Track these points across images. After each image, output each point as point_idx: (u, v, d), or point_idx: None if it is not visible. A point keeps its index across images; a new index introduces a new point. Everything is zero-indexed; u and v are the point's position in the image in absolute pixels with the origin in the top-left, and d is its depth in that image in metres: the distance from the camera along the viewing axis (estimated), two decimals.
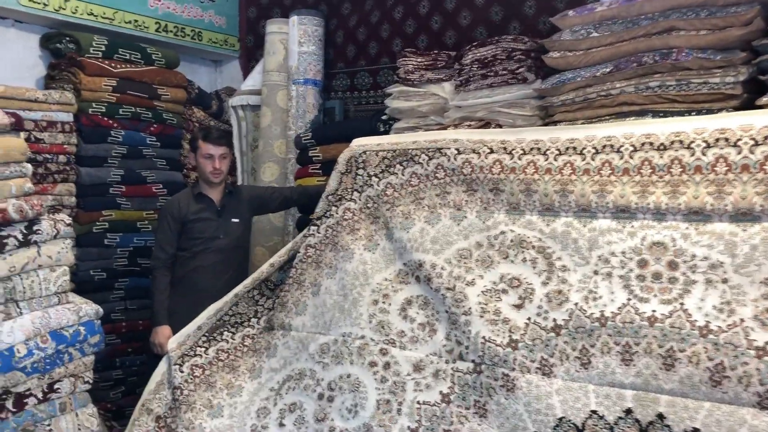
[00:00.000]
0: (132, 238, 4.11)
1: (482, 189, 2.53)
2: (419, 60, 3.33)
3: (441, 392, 2.41)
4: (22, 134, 2.77)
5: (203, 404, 2.80)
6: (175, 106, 4.34)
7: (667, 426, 1.93)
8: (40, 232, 2.56)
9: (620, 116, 2.57)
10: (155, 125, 4.21)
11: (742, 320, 1.91)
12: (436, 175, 2.65)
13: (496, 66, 2.96)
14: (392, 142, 2.83)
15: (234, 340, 2.97)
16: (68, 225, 2.65)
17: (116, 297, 4.08)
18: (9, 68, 3.87)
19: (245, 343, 2.96)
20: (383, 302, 2.65)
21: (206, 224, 3.33)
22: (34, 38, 4.00)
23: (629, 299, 2.11)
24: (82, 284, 3.86)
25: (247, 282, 3.00)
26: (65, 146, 3.77)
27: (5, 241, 2.46)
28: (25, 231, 2.53)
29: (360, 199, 2.84)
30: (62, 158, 3.76)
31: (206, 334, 2.92)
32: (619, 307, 2.12)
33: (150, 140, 4.18)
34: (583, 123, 2.62)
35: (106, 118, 3.96)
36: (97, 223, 3.94)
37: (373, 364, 2.58)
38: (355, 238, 2.81)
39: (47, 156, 3.69)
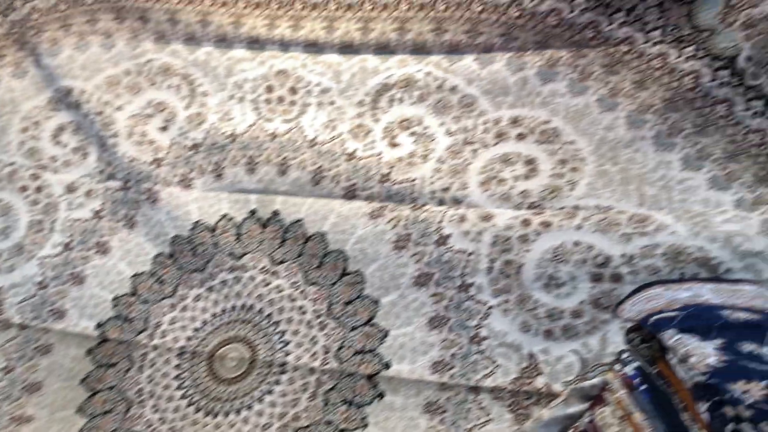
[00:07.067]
0: None
1: (131, 18, 2.63)
2: None
3: (93, 209, 2.57)
4: None
5: None
6: None
7: (280, 219, 2.34)
8: None
9: None
10: None
11: (340, 134, 2.35)
12: (85, 1, 2.67)
13: None
14: None
15: None
16: None
17: None
18: None
19: None
20: (34, 129, 2.68)
21: None
22: None
23: (257, 119, 2.45)
24: None
25: None
26: None
27: None
28: None
29: (4, 24, 2.75)
30: None
31: None
32: (249, 126, 2.44)
33: None
34: None
35: None
36: None
37: (24, 188, 2.64)
38: (1, 65, 2.74)
39: None
